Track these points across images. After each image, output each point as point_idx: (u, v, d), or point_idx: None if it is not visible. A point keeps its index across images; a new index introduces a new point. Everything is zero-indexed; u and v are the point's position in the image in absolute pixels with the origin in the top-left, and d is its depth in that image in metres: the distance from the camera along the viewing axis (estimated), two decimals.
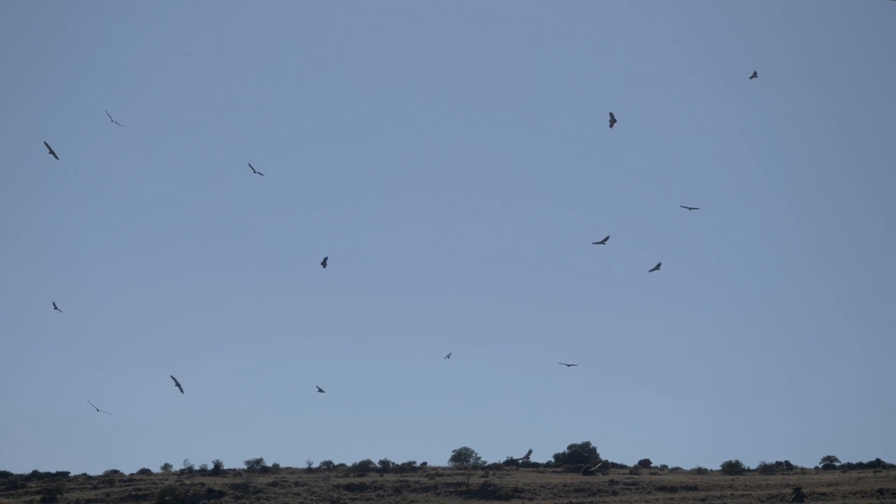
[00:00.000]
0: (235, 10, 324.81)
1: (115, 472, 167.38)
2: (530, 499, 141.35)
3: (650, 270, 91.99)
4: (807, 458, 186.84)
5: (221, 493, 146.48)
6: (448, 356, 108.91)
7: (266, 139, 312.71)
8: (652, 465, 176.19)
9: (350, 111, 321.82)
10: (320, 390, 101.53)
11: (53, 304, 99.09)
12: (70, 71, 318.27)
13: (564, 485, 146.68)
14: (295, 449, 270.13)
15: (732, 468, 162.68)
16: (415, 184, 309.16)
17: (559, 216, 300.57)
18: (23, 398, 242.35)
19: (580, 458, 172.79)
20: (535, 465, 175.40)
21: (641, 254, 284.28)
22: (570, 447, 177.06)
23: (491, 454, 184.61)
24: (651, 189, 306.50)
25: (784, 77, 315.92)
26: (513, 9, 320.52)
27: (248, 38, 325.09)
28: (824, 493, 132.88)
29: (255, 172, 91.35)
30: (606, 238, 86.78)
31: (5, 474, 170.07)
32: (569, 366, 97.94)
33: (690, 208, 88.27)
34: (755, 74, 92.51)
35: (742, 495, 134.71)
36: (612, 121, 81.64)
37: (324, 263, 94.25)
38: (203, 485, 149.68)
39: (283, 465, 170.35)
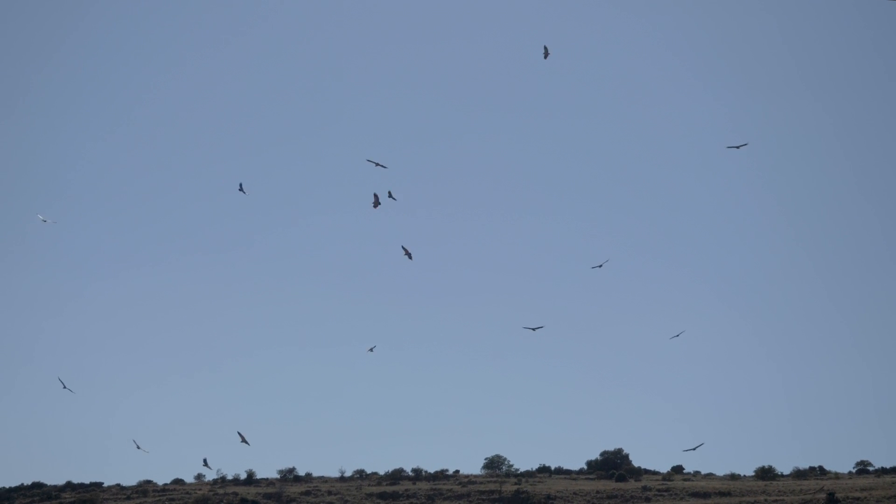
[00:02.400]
0: (236, 15, 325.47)
1: (149, 482, 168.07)
2: None
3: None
4: (840, 463, 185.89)
5: (255, 503, 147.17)
6: (371, 349, 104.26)
7: (265, 146, 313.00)
8: (685, 470, 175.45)
9: (354, 116, 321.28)
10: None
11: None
12: (70, 74, 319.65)
13: (597, 491, 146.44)
14: (327, 458, 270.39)
15: (766, 474, 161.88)
16: (430, 189, 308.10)
17: (574, 223, 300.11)
18: (55, 409, 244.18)
19: (613, 464, 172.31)
20: (568, 471, 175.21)
21: (659, 264, 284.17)
22: (602, 454, 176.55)
23: (523, 461, 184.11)
24: (653, 192, 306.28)
25: (783, 79, 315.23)
26: (512, 13, 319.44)
27: (248, 43, 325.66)
28: (858, 498, 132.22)
29: (377, 165, 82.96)
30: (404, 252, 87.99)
31: (39, 485, 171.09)
32: (534, 329, 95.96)
33: (738, 147, 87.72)
34: (546, 52, 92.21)
35: (775, 501, 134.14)
36: (378, 164, 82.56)
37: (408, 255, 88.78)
38: (236, 494, 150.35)
39: (315, 473, 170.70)
